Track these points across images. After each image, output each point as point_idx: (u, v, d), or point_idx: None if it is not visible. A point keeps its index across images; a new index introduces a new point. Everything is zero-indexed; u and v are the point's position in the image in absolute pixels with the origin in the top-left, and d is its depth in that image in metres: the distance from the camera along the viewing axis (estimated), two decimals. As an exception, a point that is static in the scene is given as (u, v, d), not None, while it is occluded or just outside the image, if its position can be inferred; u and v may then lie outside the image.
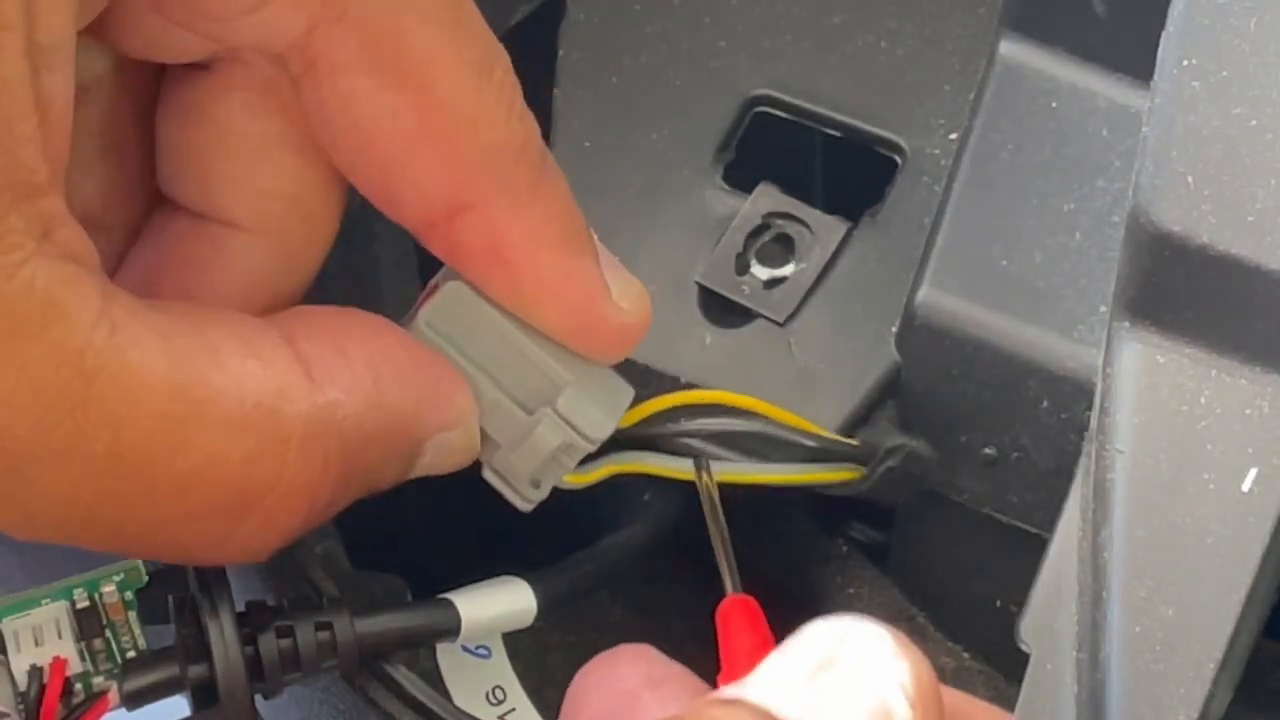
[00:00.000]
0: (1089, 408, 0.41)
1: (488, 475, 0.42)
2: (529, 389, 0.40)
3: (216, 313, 0.36)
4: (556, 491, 0.43)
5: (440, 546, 0.52)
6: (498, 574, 0.44)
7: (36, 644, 0.38)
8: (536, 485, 0.42)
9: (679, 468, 0.44)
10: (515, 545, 0.50)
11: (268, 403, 0.35)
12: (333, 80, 0.37)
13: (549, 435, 0.41)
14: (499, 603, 0.43)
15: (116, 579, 0.39)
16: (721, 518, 0.43)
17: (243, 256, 0.39)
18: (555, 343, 0.40)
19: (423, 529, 0.53)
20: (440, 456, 0.40)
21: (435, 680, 0.48)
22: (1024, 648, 0.40)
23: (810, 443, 0.45)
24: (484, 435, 0.40)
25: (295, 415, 0.35)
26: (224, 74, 0.38)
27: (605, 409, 0.41)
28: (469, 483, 0.42)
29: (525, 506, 0.42)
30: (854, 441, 0.46)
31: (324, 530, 0.46)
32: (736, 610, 0.41)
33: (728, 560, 0.42)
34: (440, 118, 0.37)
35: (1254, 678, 0.40)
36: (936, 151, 0.49)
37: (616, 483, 0.44)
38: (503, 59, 0.38)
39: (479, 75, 0.37)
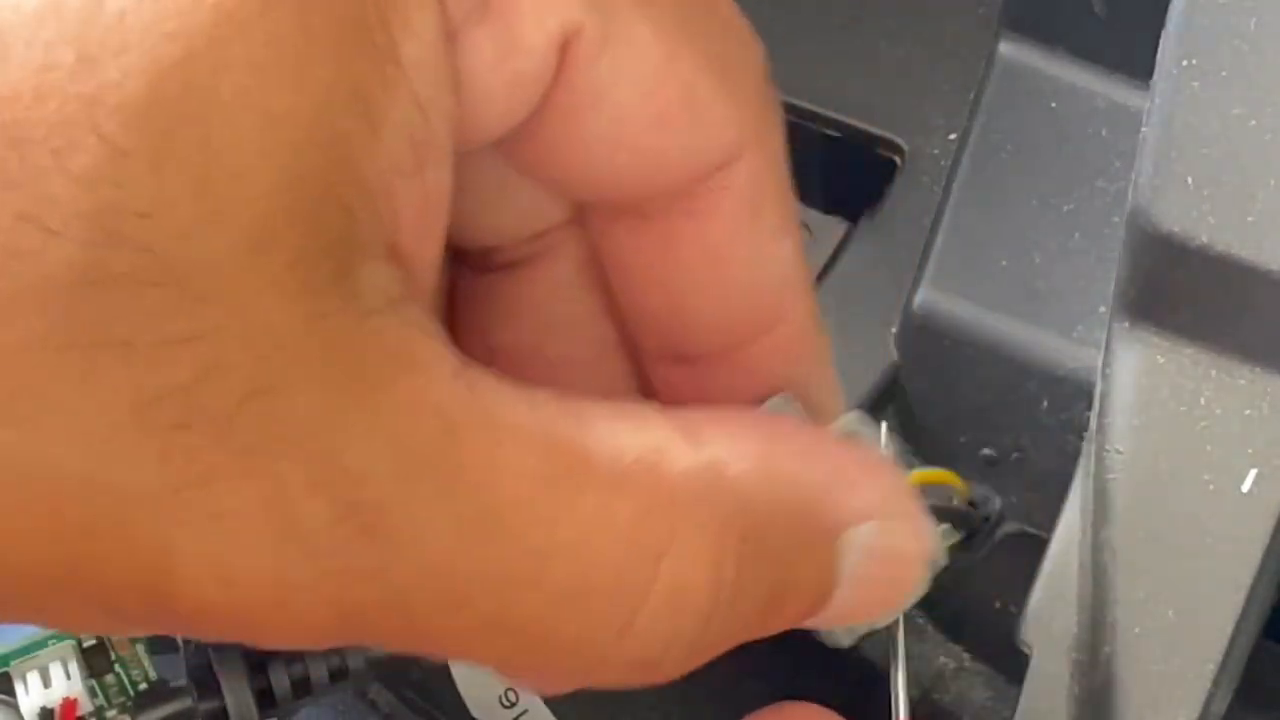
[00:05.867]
0: (1089, 408, 0.41)
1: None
2: None
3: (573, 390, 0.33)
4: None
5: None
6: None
7: (45, 685, 0.38)
8: None
9: None
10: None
11: (648, 458, 0.31)
12: (713, 224, 0.35)
13: None
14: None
15: None
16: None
17: None
18: None
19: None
20: (864, 567, 0.34)
21: (448, 683, 0.48)
22: (1024, 648, 0.40)
23: None
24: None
25: (679, 472, 0.32)
26: None
27: None
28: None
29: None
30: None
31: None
32: None
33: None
34: (801, 263, 0.36)
35: (1254, 678, 0.40)
36: (936, 151, 0.49)
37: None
38: None
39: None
